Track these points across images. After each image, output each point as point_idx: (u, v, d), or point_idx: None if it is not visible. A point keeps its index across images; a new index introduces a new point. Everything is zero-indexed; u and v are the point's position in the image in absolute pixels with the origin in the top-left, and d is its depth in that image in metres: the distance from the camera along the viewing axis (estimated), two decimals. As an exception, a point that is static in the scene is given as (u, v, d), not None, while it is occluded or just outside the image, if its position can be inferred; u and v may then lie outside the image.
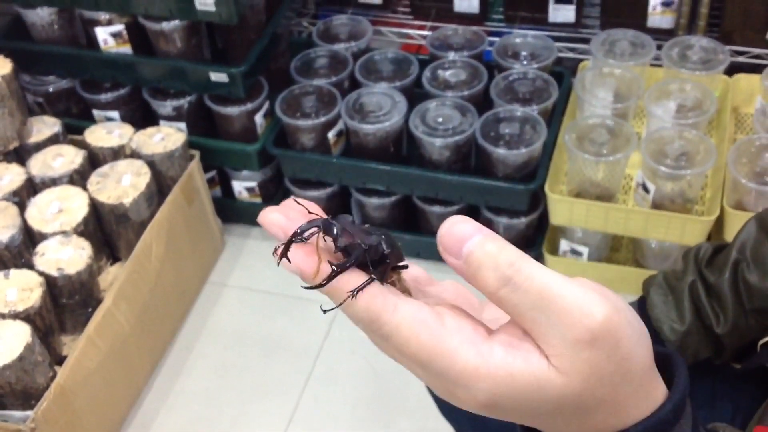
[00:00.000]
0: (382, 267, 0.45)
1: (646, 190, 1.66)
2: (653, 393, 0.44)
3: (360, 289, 0.43)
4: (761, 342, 0.84)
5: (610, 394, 0.42)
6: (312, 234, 0.45)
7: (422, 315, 0.43)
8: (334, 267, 0.44)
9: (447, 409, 1.09)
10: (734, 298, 0.87)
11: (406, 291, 0.48)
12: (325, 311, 0.46)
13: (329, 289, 0.44)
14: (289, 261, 0.45)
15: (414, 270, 0.52)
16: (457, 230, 0.42)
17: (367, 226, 0.47)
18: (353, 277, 0.44)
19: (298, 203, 0.48)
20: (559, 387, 0.41)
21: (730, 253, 0.89)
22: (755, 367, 0.88)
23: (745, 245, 0.88)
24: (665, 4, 1.92)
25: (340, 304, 0.44)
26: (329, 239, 0.45)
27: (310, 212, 0.47)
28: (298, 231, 0.44)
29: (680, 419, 0.45)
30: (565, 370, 0.41)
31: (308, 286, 0.45)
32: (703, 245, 0.94)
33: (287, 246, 0.44)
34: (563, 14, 2.02)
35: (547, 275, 0.41)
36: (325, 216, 0.47)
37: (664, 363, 0.47)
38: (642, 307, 0.95)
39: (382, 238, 0.45)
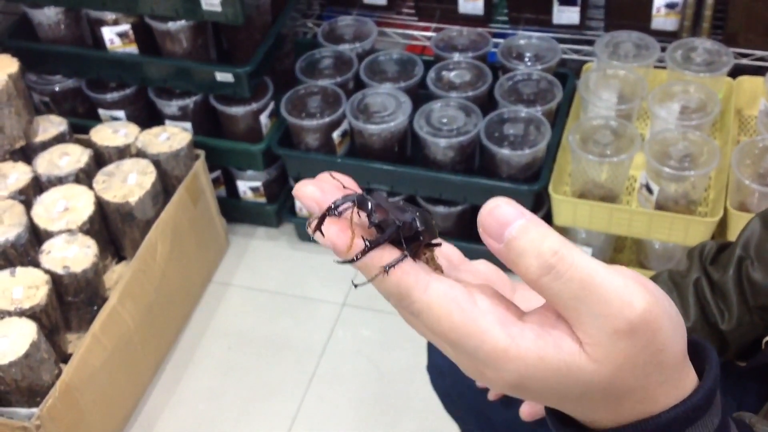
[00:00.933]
0: (415, 244, 0.45)
1: (649, 191, 1.66)
2: (684, 382, 0.44)
3: (392, 265, 0.43)
4: (766, 339, 0.84)
5: (641, 382, 0.42)
6: (346, 209, 0.45)
7: (454, 293, 0.42)
8: (367, 242, 0.43)
9: (452, 408, 1.10)
10: (738, 296, 0.88)
11: (438, 269, 0.48)
12: (356, 285, 0.46)
13: (361, 264, 0.44)
14: (323, 235, 0.44)
15: (447, 248, 0.52)
16: (500, 213, 0.41)
17: (401, 202, 0.47)
18: (386, 253, 0.43)
19: (334, 177, 0.47)
20: (589, 373, 0.41)
21: (734, 251, 0.89)
22: (760, 366, 0.88)
23: (749, 243, 0.88)
24: (669, 6, 1.92)
25: (372, 279, 0.44)
26: (363, 215, 0.45)
27: (345, 187, 0.47)
28: (333, 205, 0.44)
29: (711, 407, 0.44)
30: (598, 358, 0.41)
31: (341, 260, 0.44)
32: (708, 243, 0.94)
33: (321, 220, 0.44)
34: (567, 16, 2.02)
35: (589, 265, 0.40)
36: (360, 191, 0.46)
37: (695, 351, 0.46)
38: None
39: (416, 215, 0.45)
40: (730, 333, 0.89)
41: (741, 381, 0.94)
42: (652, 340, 0.41)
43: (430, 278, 0.43)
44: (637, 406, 0.43)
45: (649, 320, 0.40)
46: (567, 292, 0.40)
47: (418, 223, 0.45)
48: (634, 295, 0.40)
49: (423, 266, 0.45)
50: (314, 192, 0.45)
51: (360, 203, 0.44)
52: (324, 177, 0.47)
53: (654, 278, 0.97)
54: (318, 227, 0.44)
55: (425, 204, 1.87)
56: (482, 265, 0.51)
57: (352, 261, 0.44)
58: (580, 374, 0.41)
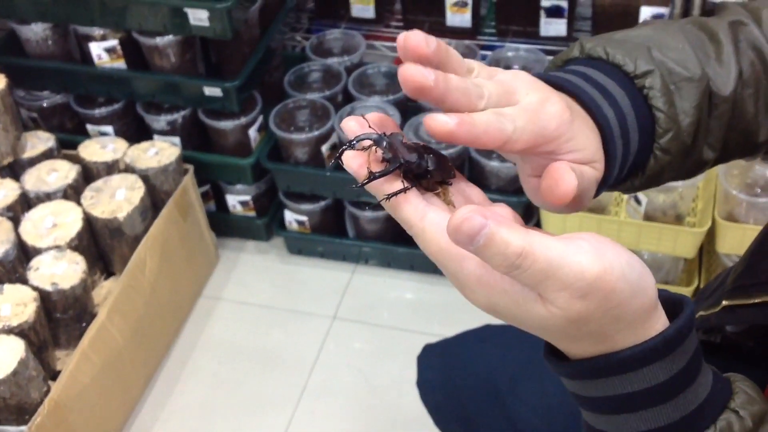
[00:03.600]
0: (425, 180, 0.53)
1: (638, 202, 1.67)
2: (648, 330, 0.50)
3: (393, 194, 0.51)
4: (725, 303, 0.75)
5: (597, 330, 0.49)
6: (368, 145, 0.53)
7: (446, 225, 0.48)
8: (372, 173, 0.52)
9: (442, 423, 1.10)
10: None
11: (451, 203, 0.54)
12: (367, 207, 0.56)
13: (371, 189, 0.52)
14: (342, 163, 0.54)
15: (471, 190, 0.58)
16: (467, 227, 0.46)
17: (422, 145, 0.54)
18: (393, 184, 0.52)
19: (371, 118, 0.55)
20: (543, 318, 0.48)
21: None
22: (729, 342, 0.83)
23: None
24: (656, 17, 1.93)
25: (379, 202, 0.53)
26: (379, 151, 0.53)
27: (369, 126, 0.54)
28: (354, 140, 0.53)
29: (671, 353, 0.50)
30: (553, 311, 0.48)
31: (355, 185, 0.53)
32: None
33: (342, 151, 0.54)
34: (555, 28, 2.03)
35: (548, 252, 0.46)
36: (397, 130, 0.55)
37: (678, 308, 0.52)
38: None
39: (429, 157, 0.53)
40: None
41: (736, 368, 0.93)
42: (605, 299, 0.47)
43: (428, 209, 0.51)
44: (597, 346, 0.50)
45: (600, 285, 0.47)
46: (531, 279, 0.47)
47: (430, 164, 0.52)
48: (585, 265, 0.47)
49: (430, 199, 0.53)
50: (355, 126, 0.54)
51: (376, 141, 0.53)
52: (370, 116, 0.55)
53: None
54: (339, 156, 0.54)
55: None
56: (500, 208, 0.54)
57: (361, 186, 0.53)
58: (536, 316, 0.49)
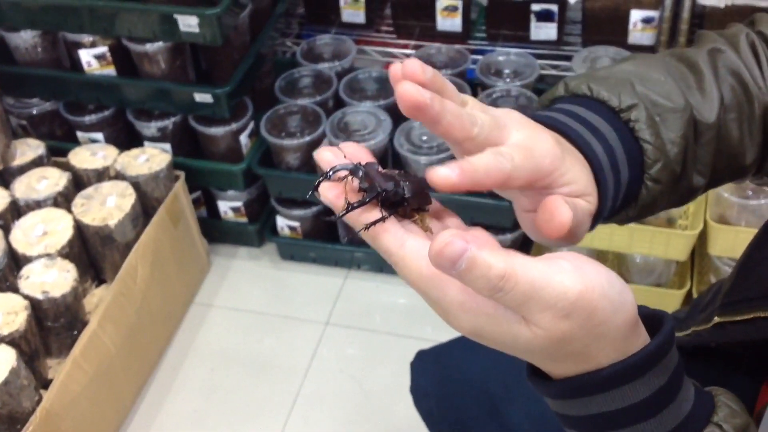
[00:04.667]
0: (402, 208, 0.53)
1: (630, 205, 1.67)
2: (630, 348, 0.51)
3: (372, 224, 0.51)
4: (716, 320, 0.76)
5: (580, 350, 0.49)
6: (344, 175, 0.54)
7: (425, 252, 0.48)
8: (349, 204, 0.52)
9: (436, 429, 1.09)
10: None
11: (428, 230, 0.54)
12: (348, 239, 0.55)
13: (349, 220, 0.53)
14: (319, 195, 0.54)
15: (450, 219, 0.59)
16: (448, 252, 0.46)
17: (398, 172, 0.55)
18: (371, 214, 0.52)
19: (346, 148, 0.56)
20: (527, 340, 0.48)
21: None
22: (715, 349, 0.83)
23: None
24: (646, 21, 1.94)
25: (357, 232, 0.52)
26: (356, 181, 0.53)
27: (345, 157, 0.55)
28: (331, 171, 0.54)
29: (652, 369, 0.51)
30: (537, 333, 0.48)
31: (333, 217, 0.54)
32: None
33: (318, 182, 0.54)
34: (545, 32, 2.03)
35: (530, 273, 0.47)
36: (372, 160, 0.55)
37: (660, 322, 0.53)
38: None
39: (406, 184, 0.53)
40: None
41: (726, 379, 0.93)
42: (588, 318, 0.48)
43: (407, 236, 0.51)
44: (580, 365, 0.51)
45: (582, 305, 0.47)
46: (514, 301, 0.47)
47: (406, 191, 0.53)
48: (567, 287, 0.47)
49: (408, 227, 0.53)
50: (330, 157, 0.55)
51: (352, 172, 0.53)
52: (344, 146, 0.56)
53: None
54: (316, 188, 0.54)
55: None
56: (478, 231, 0.55)
57: (339, 217, 0.53)
58: (521, 339, 0.49)
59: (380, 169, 0.54)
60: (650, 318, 0.54)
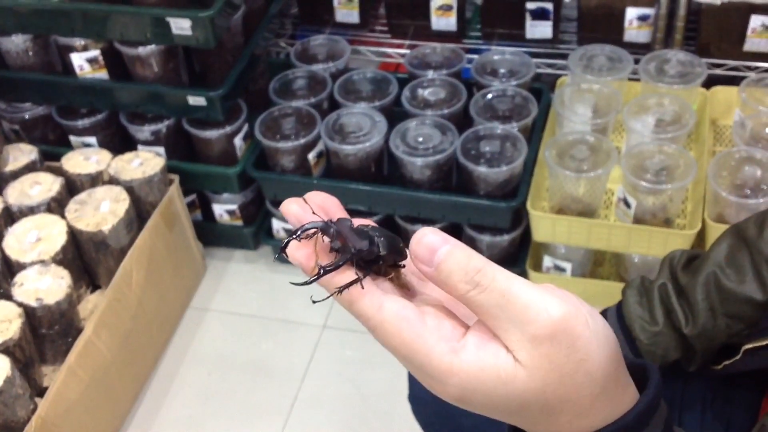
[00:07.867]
0: (376, 266, 0.50)
1: (627, 205, 1.66)
2: (621, 398, 0.48)
3: (345, 287, 0.48)
4: (745, 347, 0.83)
5: (573, 393, 0.46)
6: (313, 234, 0.50)
7: (405, 313, 0.47)
8: (321, 267, 0.48)
9: (431, 431, 1.09)
10: (704, 301, 0.89)
11: (404, 286, 0.52)
12: (314, 302, 0.52)
13: (321, 283, 0.49)
14: (287, 256, 0.51)
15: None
16: (428, 241, 0.46)
17: (369, 227, 0.51)
18: (342, 276, 0.48)
19: (314, 200, 0.53)
20: (522, 380, 0.45)
21: (706, 259, 0.91)
22: (742, 373, 0.87)
23: (722, 253, 0.89)
24: (641, 19, 1.93)
25: (328, 297, 0.49)
26: (327, 240, 0.50)
27: (313, 212, 0.51)
28: (300, 230, 0.50)
29: (645, 427, 0.48)
30: (526, 363, 0.45)
31: (302, 282, 0.50)
32: (679, 252, 0.96)
33: (287, 242, 0.50)
34: (540, 30, 2.02)
35: (509, 279, 0.45)
36: (342, 213, 0.52)
37: (643, 373, 0.51)
38: (620, 309, 0.96)
39: (380, 240, 0.50)
40: (693, 337, 0.89)
41: (728, 393, 0.93)
42: (572, 347, 0.45)
43: (384, 298, 0.48)
44: (574, 421, 0.47)
45: (566, 327, 0.45)
46: (490, 302, 0.45)
47: (380, 248, 0.49)
48: (549, 303, 0.45)
49: (384, 286, 0.50)
50: (298, 211, 0.52)
51: (323, 230, 0.49)
52: (310, 197, 0.53)
53: (628, 283, 0.98)
54: (284, 249, 0.50)
55: (404, 223, 1.86)
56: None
57: (309, 282, 0.49)
58: (514, 381, 0.45)
59: (352, 223, 0.51)
60: (634, 368, 0.51)
